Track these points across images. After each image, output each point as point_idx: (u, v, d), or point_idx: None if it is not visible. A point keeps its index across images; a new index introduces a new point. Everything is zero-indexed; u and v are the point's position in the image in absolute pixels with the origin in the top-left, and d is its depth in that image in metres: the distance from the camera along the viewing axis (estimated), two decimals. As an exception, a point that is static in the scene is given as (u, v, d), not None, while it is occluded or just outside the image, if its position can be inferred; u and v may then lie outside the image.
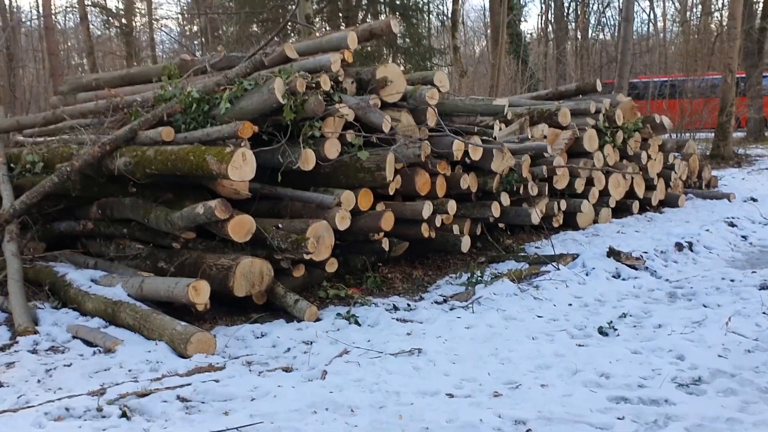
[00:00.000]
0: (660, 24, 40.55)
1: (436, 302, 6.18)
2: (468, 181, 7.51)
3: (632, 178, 10.74)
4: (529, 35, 38.31)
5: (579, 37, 37.21)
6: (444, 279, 6.99)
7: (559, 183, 9.22)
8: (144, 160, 6.03)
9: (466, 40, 43.65)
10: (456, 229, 7.60)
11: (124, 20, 33.03)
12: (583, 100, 10.32)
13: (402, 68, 17.04)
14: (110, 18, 33.99)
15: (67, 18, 35.98)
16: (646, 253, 7.37)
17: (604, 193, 10.09)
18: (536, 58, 33.21)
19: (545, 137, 9.16)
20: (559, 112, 9.46)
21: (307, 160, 6.14)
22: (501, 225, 8.67)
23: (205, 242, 6.24)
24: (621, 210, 10.69)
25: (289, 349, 4.99)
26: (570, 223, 9.59)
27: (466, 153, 7.35)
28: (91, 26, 32.48)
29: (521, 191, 8.37)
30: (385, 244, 6.76)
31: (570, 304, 5.94)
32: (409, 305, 5.99)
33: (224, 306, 5.91)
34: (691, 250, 7.82)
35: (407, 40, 17.51)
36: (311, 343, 5.07)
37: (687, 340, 4.86)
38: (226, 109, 6.04)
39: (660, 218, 10.16)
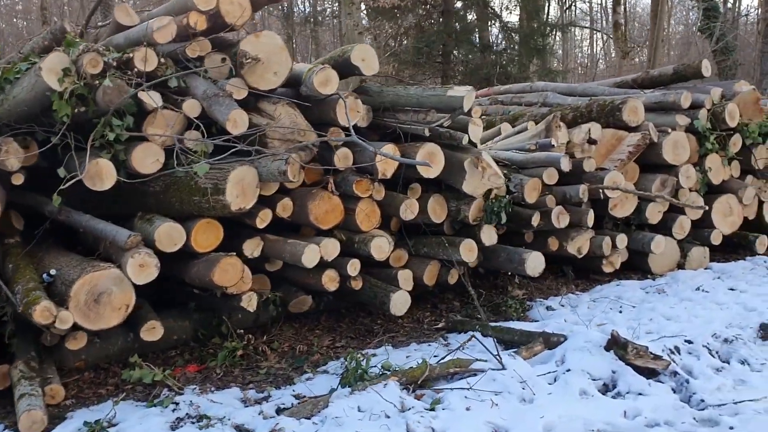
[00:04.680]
0: None
1: (279, 410, 3.86)
2: (413, 209, 5.03)
3: (761, 202, 7.46)
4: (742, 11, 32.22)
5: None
6: (343, 359, 4.60)
7: (617, 209, 6.34)
8: None
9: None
10: (403, 277, 5.16)
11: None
12: (676, 89, 7.17)
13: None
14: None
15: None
16: (689, 343, 4.44)
17: (704, 224, 6.98)
18: (752, 39, 27.68)
19: (591, 142, 6.27)
20: (624, 106, 6.48)
21: (99, 173, 4.07)
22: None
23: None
24: (739, 247, 7.47)
25: None
26: (640, 265, 6.66)
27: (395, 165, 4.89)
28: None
29: (535, 222, 5.66)
30: (249, 302, 4.52)
31: (466, 451, 3.36)
32: (206, 418, 3.73)
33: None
34: (790, 339, 4.71)
35: (516, 15, 14.55)
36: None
37: None
38: (-25, 99, 4.17)
39: (790, 267, 6.80)
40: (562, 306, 5.63)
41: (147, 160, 4.21)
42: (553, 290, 6.13)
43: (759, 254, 7.32)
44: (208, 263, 4.24)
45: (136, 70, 4.18)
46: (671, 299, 5.69)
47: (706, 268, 6.77)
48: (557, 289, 6.17)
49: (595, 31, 28.31)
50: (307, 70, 4.64)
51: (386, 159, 4.67)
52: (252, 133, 4.22)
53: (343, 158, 4.76)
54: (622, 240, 6.30)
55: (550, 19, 17.64)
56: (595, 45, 33.98)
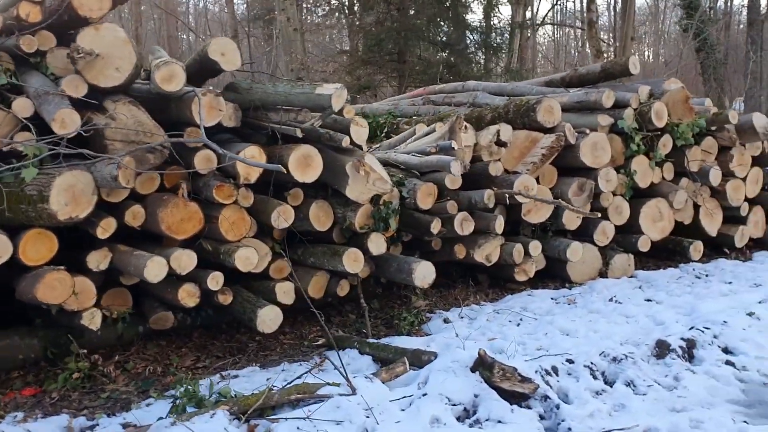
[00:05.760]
0: None
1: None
2: (287, 216, 4.64)
3: (696, 206, 7.11)
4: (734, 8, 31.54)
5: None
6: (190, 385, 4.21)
7: (531, 215, 5.98)
8: None
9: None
10: (282, 290, 4.78)
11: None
12: (601, 88, 6.80)
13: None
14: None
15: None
16: (570, 363, 4.07)
17: (632, 230, 6.62)
18: (737, 37, 27.11)
19: (501, 144, 5.91)
20: (538, 106, 6.11)
21: None
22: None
23: None
24: (675, 253, 7.14)
25: None
26: (559, 273, 6.31)
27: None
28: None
29: (434, 229, 5.29)
30: (91, 320, 4.14)
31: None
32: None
33: None
34: (688, 357, 4.34)
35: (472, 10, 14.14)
36: None
37: None
38: None
39: (719, 275, 6.43)
40: (461, 318, 5.27)
41: (-34, 164, 3.83)
42: (459, 300, 5.76)
43: (693, 261, 6.96)
44: (34, 278, 3.86)
45: (-46, 66, 3.81)
46: (578, 311, 5.33)
47: (630, 277, 6.41)
48: (465, 299, 5.80)
49: (575, 29, 27.99)
50: (153, 65, 4.26)
51: (244, 162, 4.29)
52: (83, 133, 3.84)
53: (203, 161, 4.38)
54: (535, 247, 5.93)
55: (523, 17, 17.24)
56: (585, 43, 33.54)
